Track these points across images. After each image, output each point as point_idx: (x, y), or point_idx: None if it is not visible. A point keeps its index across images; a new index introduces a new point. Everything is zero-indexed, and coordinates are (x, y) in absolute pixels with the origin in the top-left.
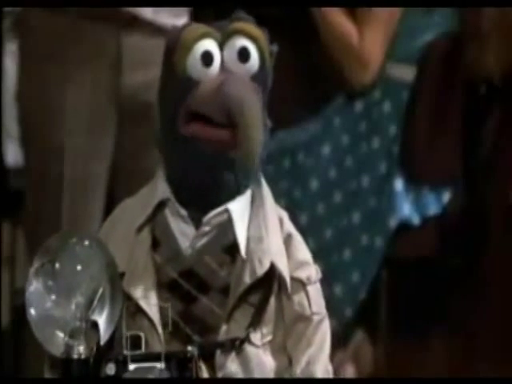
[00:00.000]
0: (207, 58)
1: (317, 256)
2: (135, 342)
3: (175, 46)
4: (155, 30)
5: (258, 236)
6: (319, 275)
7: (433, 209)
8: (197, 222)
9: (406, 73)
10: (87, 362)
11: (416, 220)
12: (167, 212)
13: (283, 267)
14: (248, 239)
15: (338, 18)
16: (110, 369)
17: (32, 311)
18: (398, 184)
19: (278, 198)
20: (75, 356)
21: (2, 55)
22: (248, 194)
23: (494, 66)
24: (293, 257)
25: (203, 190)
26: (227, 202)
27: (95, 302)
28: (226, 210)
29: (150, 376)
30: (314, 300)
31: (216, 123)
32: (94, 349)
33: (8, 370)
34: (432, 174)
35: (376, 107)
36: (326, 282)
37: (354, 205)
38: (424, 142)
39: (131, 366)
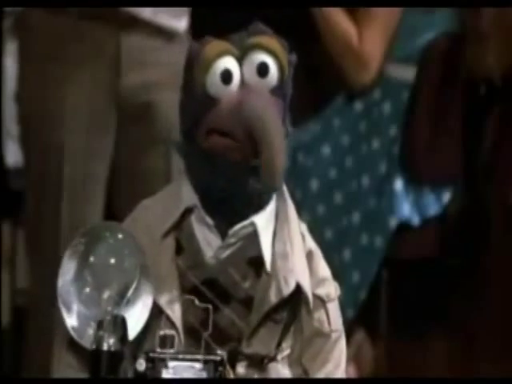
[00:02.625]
0: (226, 76)
1: None
2: (164, 341)
3: (195, 62)
4: (154, 30)
5: (283, 252)
6: (338, 292)
7: (433, 209)
8: (222, 233)
9: (406, 73)
10: (116, 355)
11: (416, 220)
12: (193, 219)
13: (307, 286)
14: (273, 255)
15: (338, 18)
16: (140, 365)
17: (63, 302)
18: (398, 184)
19: None
20: (105, 348)
21: (2, 55)
22: (272, 207)
23: (494, 65)
24: (314, 274)
25: (228, 199)
26: (252, 213)
27: (127, 297)
28: (252, 224)
29: (188, 375)
30: (333, 317)
31: (237, 140)
32: (125, 343)
33: (8, 370)
34: (432, 175)
35: (376, 107)
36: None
37: (354, 205)
38: (424, 142)
39: (171, 364)
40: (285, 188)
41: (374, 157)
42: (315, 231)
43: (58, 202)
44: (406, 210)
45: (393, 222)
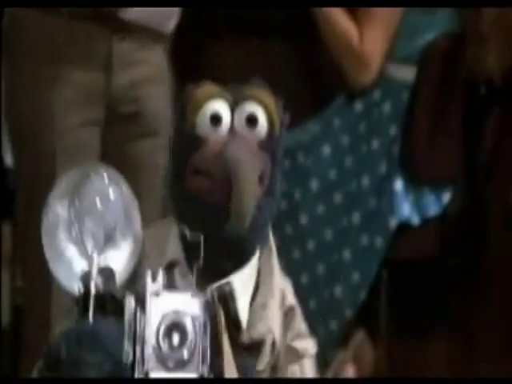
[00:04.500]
0: (216, 118)
1: (317, 257)
2: (154, 276)
3: (188, 102)
4: (145, 31)
5: (263, 303)
6: (314, 349)
7: (433, 209)
8: (202, 289)
9: (406, 73)
10: (104, 297)
11: (416, 220)
12: (176, 272)
13: (278, 336)
14: (251, 307)
15: (338, 19)
16: (130, 303)
17: (49, 246)
18: (398, 184)
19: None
20: (93, 291)
21: (1, 55)
22: (255, 262)
23: (495, 66)
24: (294, 327)
25: (210, 247)
26: (233, 269)
27: (113, 239)
28: (229, 283)
29: (181, 306)
30: (308, 373)
31: (216, 181)
32: (114, 284)
33: (8, 369)
34: (432, 175)
35: (376, 107)
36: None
37: (354, 205)
38: (424, 142)
39: (163, 294)
40: (272, 242)
41: (373, 157)
42: (315, 231)
43: None
44: (405, 210)
45: (393, 222)
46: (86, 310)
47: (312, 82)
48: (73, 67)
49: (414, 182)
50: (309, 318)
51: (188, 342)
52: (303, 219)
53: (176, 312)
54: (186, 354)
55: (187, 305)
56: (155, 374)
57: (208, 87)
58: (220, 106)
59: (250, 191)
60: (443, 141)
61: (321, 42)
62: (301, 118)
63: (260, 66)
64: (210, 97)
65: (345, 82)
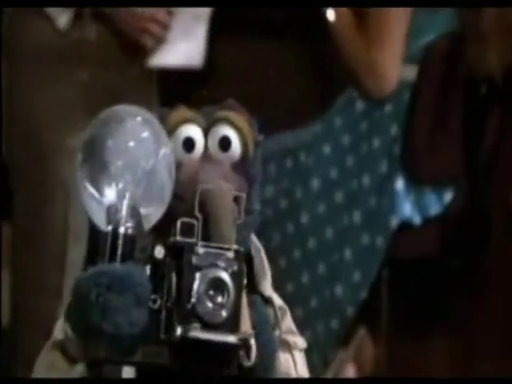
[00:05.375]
0: (188, 143)
1: (318, 255)
2: (186, 229)
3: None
4: None
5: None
6: (304, 345)
7: (434, 209)
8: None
9: (407, 73)
10: (133, 240)
11: (417, 220)
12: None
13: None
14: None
15: (353, 38)
16: (159, 252)
17: (81, 188)
18: (399, 184)
19: (279, 197)
20: (122, 231)
21: (1, 55)
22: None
23: (495, 65)
24: (285, 323)
25: None
26: None
27: (145, 181)
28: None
29: (220, 263)
30: (300, 365)
31: (191, 206)
32: (141, 228)
33: (8, 369)
34: (433, 174)
35: (377, 107)
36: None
37: (355, 204)
38: (425, 141)
39: (201, 250)
40: (258, 244)
41: (374, 156)
42: (316, 230)
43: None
44: (406, 209)
45: (394, 222)
46: (115, 250)
47: (318, 83)
48: (74, 66)
49: (415, 182)
50: (310, 316)
51: (229, 301)
52: (304, 218)
53: (216, 268)
54: (224, 312)
55: (226, 261)
56: (192, 333)
57: (181, 111)
58: (193, 131)
59: (224, 214)
60: (444, 140)
61: (326, 43)
62: (302, 118)
63: (269, 67)
64: (184, 121)
65: (363, 94)
